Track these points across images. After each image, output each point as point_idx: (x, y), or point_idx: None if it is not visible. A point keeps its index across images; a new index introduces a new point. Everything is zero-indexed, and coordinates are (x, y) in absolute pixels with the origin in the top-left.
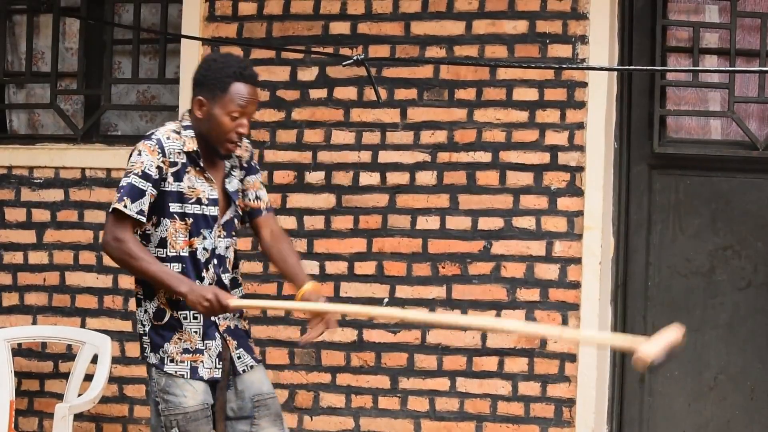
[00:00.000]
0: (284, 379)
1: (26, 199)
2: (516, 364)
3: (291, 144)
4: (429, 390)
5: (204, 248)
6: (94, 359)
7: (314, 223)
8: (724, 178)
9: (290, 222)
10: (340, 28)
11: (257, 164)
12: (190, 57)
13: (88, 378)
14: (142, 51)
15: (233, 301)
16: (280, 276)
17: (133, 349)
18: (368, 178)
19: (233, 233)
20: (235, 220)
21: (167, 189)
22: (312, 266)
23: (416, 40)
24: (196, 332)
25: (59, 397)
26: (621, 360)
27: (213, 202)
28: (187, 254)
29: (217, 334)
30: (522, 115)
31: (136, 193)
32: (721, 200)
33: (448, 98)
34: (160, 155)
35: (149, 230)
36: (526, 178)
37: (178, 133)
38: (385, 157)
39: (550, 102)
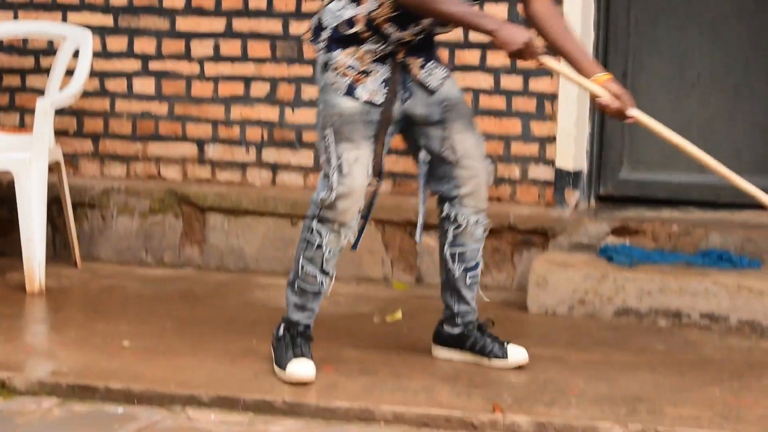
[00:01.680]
0: (266, 73)
1: None
2: (498, 58)
3: None
4: None
5: None
6: (76, 54)
7: None
8: None
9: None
10: None
11: None
12: None
13: (70, 73)
14: None
15: (545, 57)
16: None
17: (114, 44)
18: None
19: None
20: None
21: None
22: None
23: None
24: (371, 53)
25: (40, 92)
26: (604, 55)
27: None
28: None
29: (389, 61)
30: None
31: None
32: None
33: None
34: None
35: None
36: None
37: None
38: None
39: None
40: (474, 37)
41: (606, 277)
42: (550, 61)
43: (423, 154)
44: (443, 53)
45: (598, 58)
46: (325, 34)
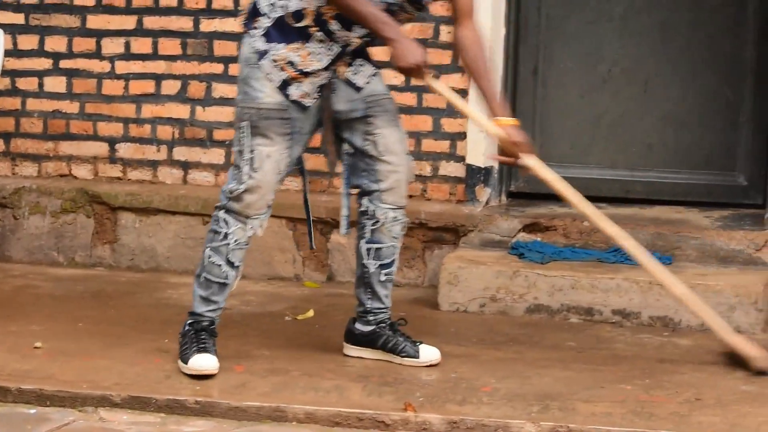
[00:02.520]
0: (176, 70)
1: None
2: None
3: None
4: None
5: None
6: None
7: None
8: None
9: None
10: None
11: None
12: None
13: None
14: None
15: (437, 82)
16: None
17: (25, 42)
18: None
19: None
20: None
21: None
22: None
23: None
24: (317, 56)
25: None
26: (515, 51)
27: None
28: None
29: (330, 66)
30: None
31: None
32: None
33: None
34: None
35: None
36: None
37: None
38: None
39: None
40: None
41: (517, 274)
42: (440, 86)
43: (346, 147)
44: None
45: (508, 54)
46: (264, 22)
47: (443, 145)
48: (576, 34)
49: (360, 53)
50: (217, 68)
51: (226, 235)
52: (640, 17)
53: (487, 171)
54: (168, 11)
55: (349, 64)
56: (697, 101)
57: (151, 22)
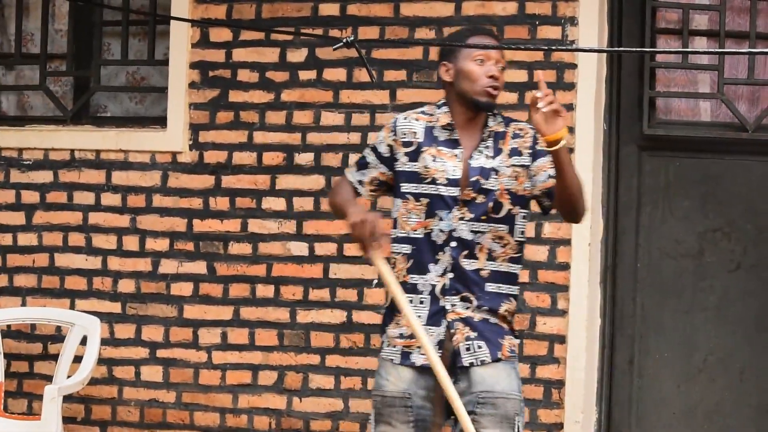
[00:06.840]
0: (273, 361)
1: (15, 181)
2: None
3: (280, 125)
4: None
5: (440, 230)
6: (83, 341)
7: (303, 204)
8: (714, 159)
9: (280, 203)
10: (329, 9)
11: (541, 147)
12: (180, 38)
13: (78, 360)
14: (132, 32)
15: (378, 260)
16: None
17: (121, 331)
18: None
19: (490, 218)
20: (490, 204)
21: (399, 169)
22: (301, 248)
23: (406, 21)
24: (418, 316)
25: (48, 378)
26: (611, 341)
27: (452, 183)
28: (421, 235)
29: (443, 320)
30: (511, 97)
31: (362, 164)
32: (711, 182)
33: (438, 79)
34: (392, 134)
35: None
36: None
37: (425, 113)
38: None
39: None
40: None
41: None
42: (383, 267)
43: None
44: None
45: (604, 345)
46: (383, 318)
47: None
48: (671, 324)
49: (490, 334)
50: (314, 359)
51: None
52: (734, 306)
53: None
54: (265, 302)
55: (468, 338)
56: None
57: (247, 312)
